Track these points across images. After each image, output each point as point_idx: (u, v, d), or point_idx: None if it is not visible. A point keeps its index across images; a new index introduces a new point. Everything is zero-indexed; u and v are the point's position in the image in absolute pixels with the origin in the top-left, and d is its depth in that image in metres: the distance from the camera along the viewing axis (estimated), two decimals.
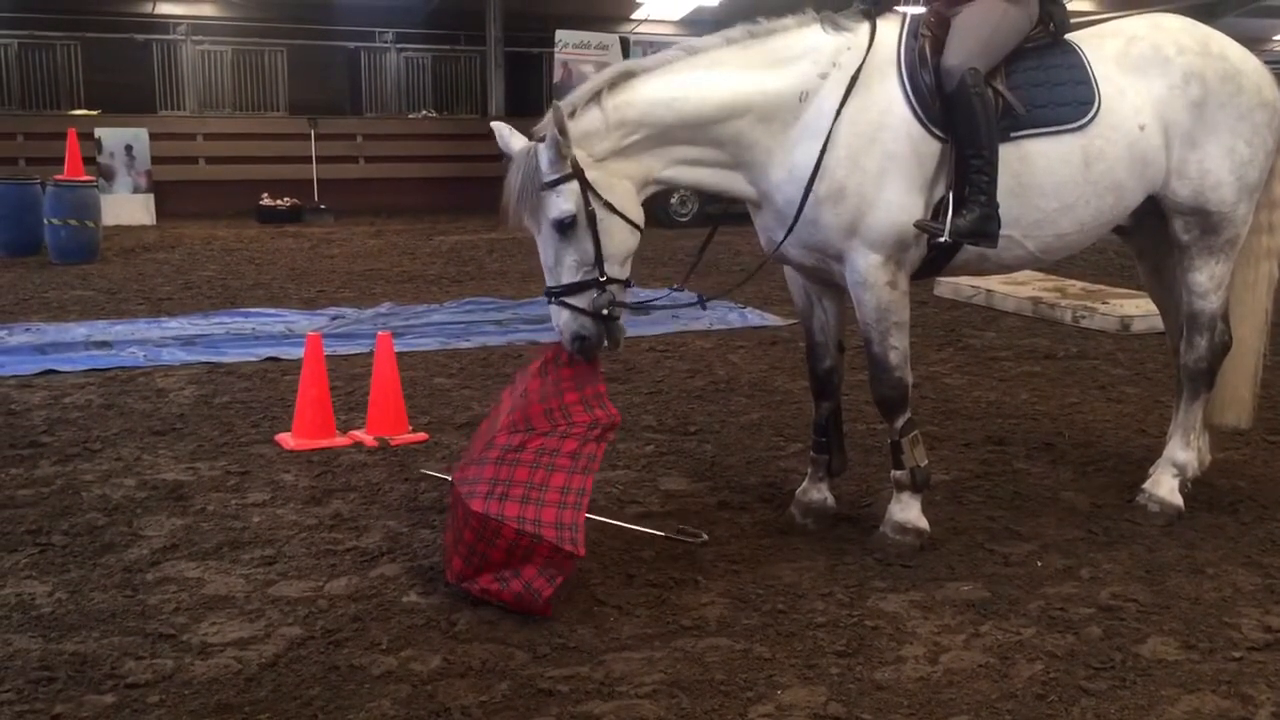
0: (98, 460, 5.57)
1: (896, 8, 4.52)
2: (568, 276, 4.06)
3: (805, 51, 4.28)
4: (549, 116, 3.97)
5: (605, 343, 4.13)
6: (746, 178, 4.35)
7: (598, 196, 4.02)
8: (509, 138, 4.15)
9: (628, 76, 4.16)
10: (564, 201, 3.98)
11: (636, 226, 4.15)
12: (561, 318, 4.09)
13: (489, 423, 4.33)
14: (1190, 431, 4.94)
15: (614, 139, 4.09)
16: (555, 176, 3.97)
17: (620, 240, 4.10)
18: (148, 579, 4.22)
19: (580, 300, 4.06)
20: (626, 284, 4.17)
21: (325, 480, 5.34)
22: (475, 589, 4.00)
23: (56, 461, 5.54)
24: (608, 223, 4.05)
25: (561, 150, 3.95)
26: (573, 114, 4.03)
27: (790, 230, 4.31)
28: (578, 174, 3.98)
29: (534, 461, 3.97)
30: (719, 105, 4.18)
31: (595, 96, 4.09)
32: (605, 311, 4.07)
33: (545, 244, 4.09)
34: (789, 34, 4.32)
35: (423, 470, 5.38)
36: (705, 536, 4.52)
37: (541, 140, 3.98)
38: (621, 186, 4.10)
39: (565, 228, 4.01)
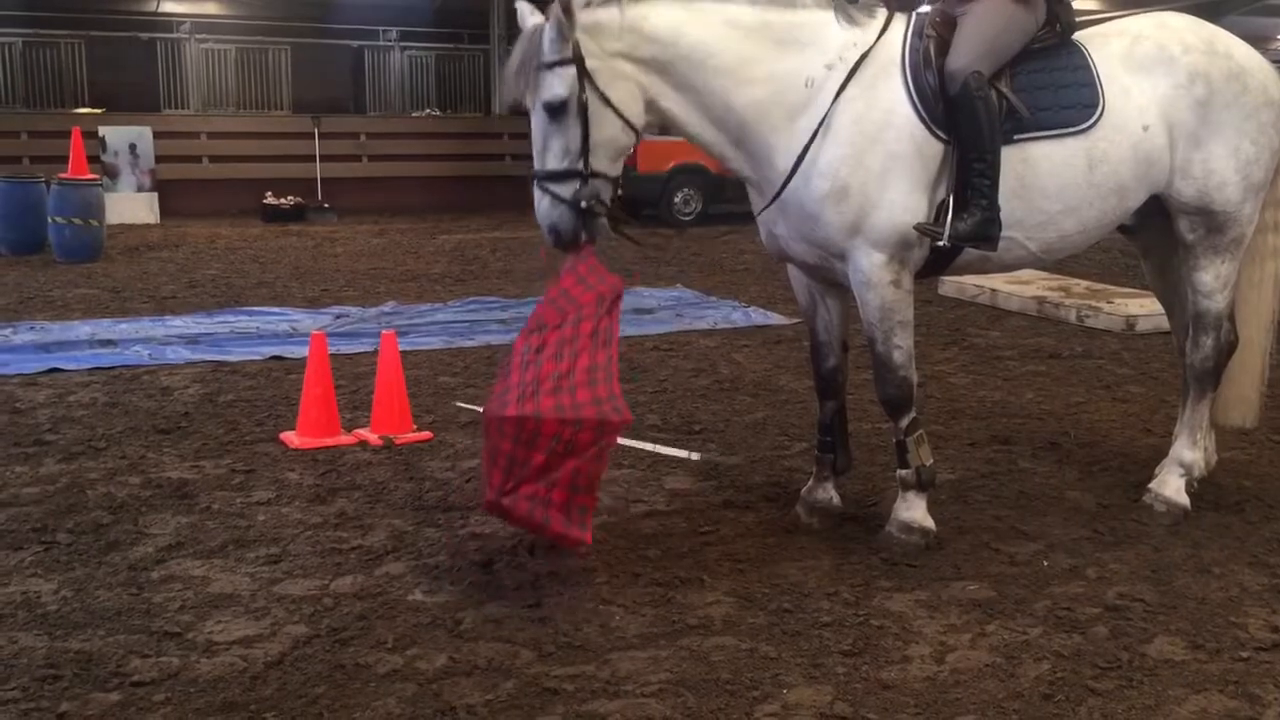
0: (102, 458, 5.58)
1: (918, 7, 4.50)
2: (553, 163, 4.04)
3: (815, 39, 4.28)
4: (557, 1, 3.95)
5: (582, 235, 4.08)
6: (750, 159, 4.33)
7: (594, 87, 3.99)
8: (527, 15, 4.12)
9: None
10: (558, 84, 3.97)
11: (631, 126, 4.11)
12: (541, 205, 4.06)
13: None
14: (1196, 431, 4.93)
15: (626, 42, 4.08)
16: (554, 58, 3.96)
17: (611, 135, 4.07)
18: (153, 577, 4.22)
19: (562, 189, 4.03)
20: (616, 183, 4.13)
21: (330, 479, 5.33)
22: (517, 507, 3.95)
23: (61, 459, 5.55)
24: (600, 115, 4.02)
25: (564, 32, 3.94)
26: (588, 3, 4.02)
27: (774, 198, 4.30)
28: (577, 60, 3.97)
29: (556, 354, 3.95)
30: (726, 59, 4.16)
31: None
32: (585, 205, 4.03)
33: (536, 125, 4.07)
34: (805, 14, 4.30)
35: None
36: (697, 456, 4.47)
37: (547, 19, 3.97)
38: (624, 86, 4.08)
39: (555, 111, 3.98)
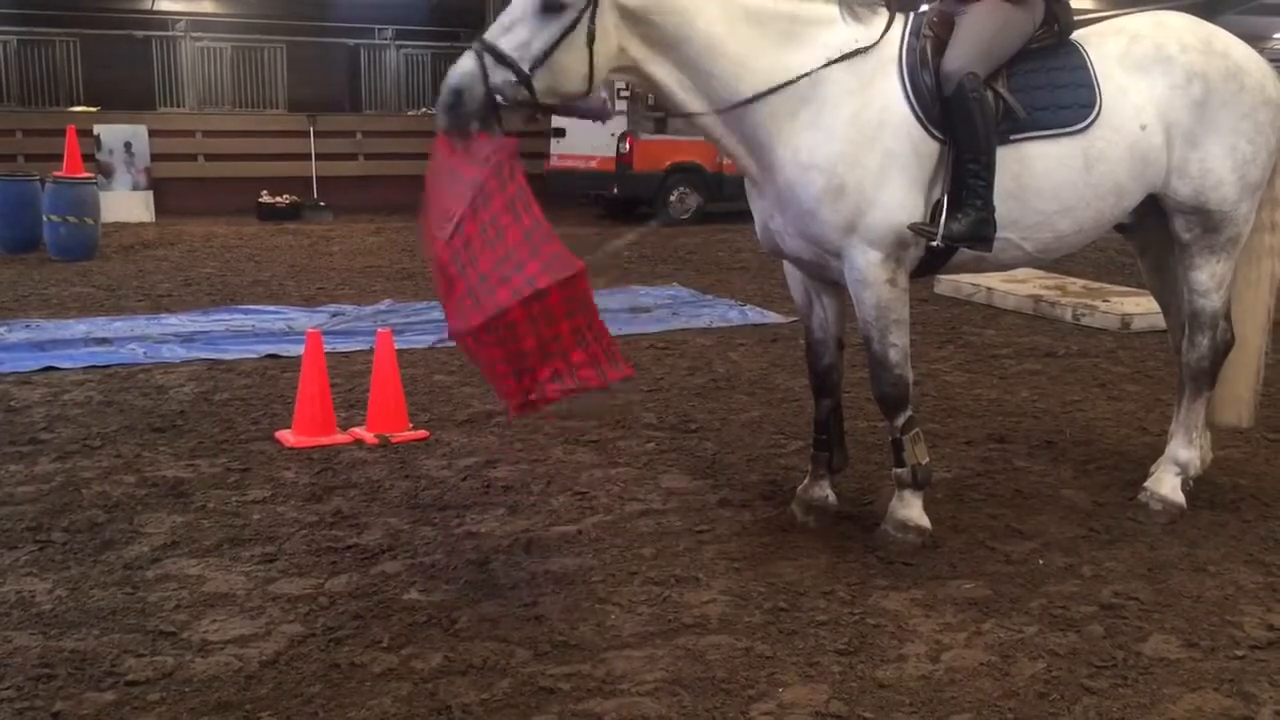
0: (97, 457, 5.56)
1: (917, 7, 4.50)
2: (505, 46, 3.92)
3: (819, 33, 4.27)
4: None
5: (473, 122, 3.90)
6: (749, 148, 4.31)
7: (592, 21, 3.93)
8: None
9: None
10: None
11: (588, 81, 4.01)
12: (464, 67, 3.90)
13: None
14: (1192, 430, 4.94)
15: (641, 3, 4.01)
16: None
17: (568, 67, 3.96)
18: (148, 576, 4.21)
19: (496, 72, 3.89)
20: (534, 109, 4.01)
21: (326, 477, 5.33)
22: (548, 393, 3.80)
23: (56, 458, 5.53)
24: (574, 47, 3.94)
25: None
26: None
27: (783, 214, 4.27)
28: None
29: (485, 242, 3.77)
30: (733, 46, 4.14)
31: None
32: (500, 99, 3.90)
33: (518, 4, 3.97)
34: (811, 8, 4.29)
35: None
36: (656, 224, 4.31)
37: None
38: (609, 45, 4.01)
39: (548, 9, 3.90)
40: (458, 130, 3.91)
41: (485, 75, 3.88)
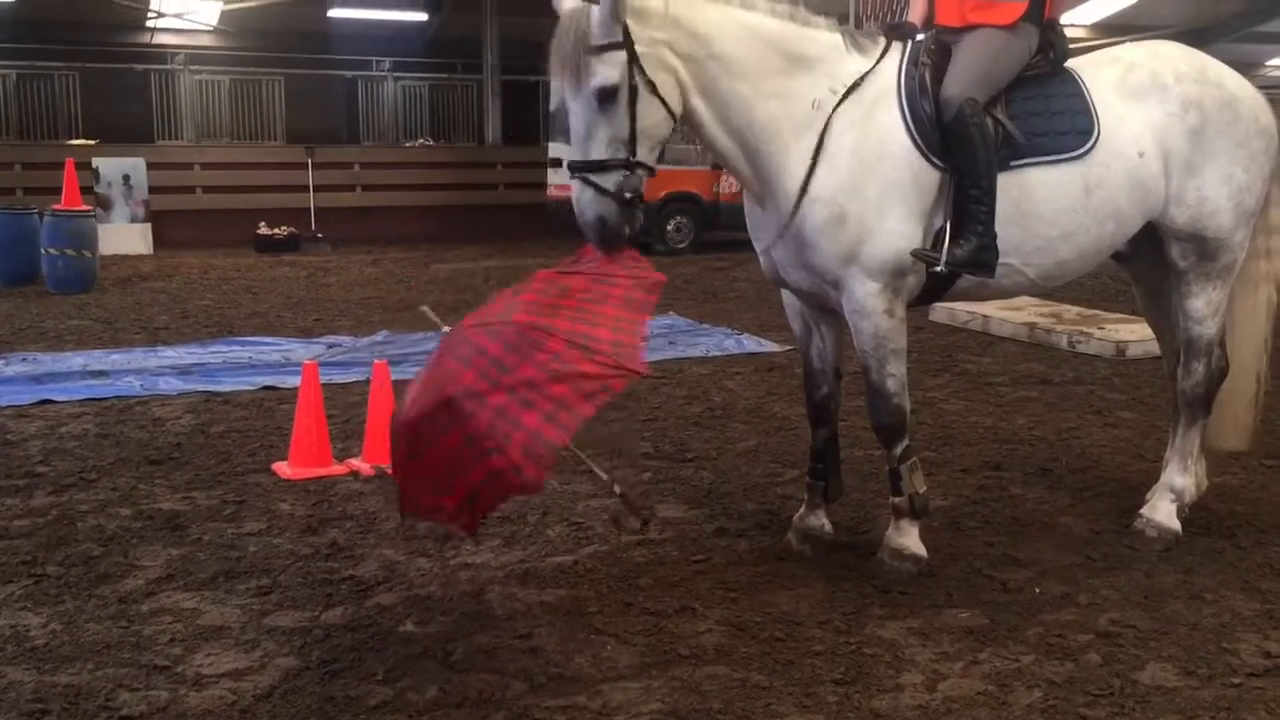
0: (94, 490, 5.56)
1: (914, 36, 4.53)
2: (597, 153, 3.94)
3: (823, 61, 4.30)
4: None
5: (626, 229, 3.98)
6: (756, 172, 4.33)
7: (642, 72, 3.93)
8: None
9: None
10: (609, 70, 3.88)
11: (673, 115, 4.06)
12: (585, 197, 3.94)
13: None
14: (1188, 457, 4.94)
15: (667, 33, 4.02)
16: (605, 41, 3.87)
17: (655, 123, 4.01)
18: (143, 610, 4.20)
19: (606, 180, 3.93)
20: (651, 172, 4.05)
21: (322, 509, 5.32)
22: (478, 414, 3.49)
23: (52, 492, 5.53)
24: (647, 102, 3.95)
25: (616, 14, 3.85)
26: None
27: (785, 223, 4.27)
28: (628, 44, 3.89)
29: (581, 301, 3.73)
30: (747, 64, 4.16)
31: None
32: (629, 196, 3.95)
33: (579, 114, 3.95)
34: (817, 33, 4.33)
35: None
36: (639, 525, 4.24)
37: (596, 1, 3.87)
38: (666, 75, 4.02)
39: (605, 98, 3.89)
40: (618, 246, 3.99)
41: (605, 190, 3.93)
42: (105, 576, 4.50)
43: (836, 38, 4.37)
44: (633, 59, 3.91)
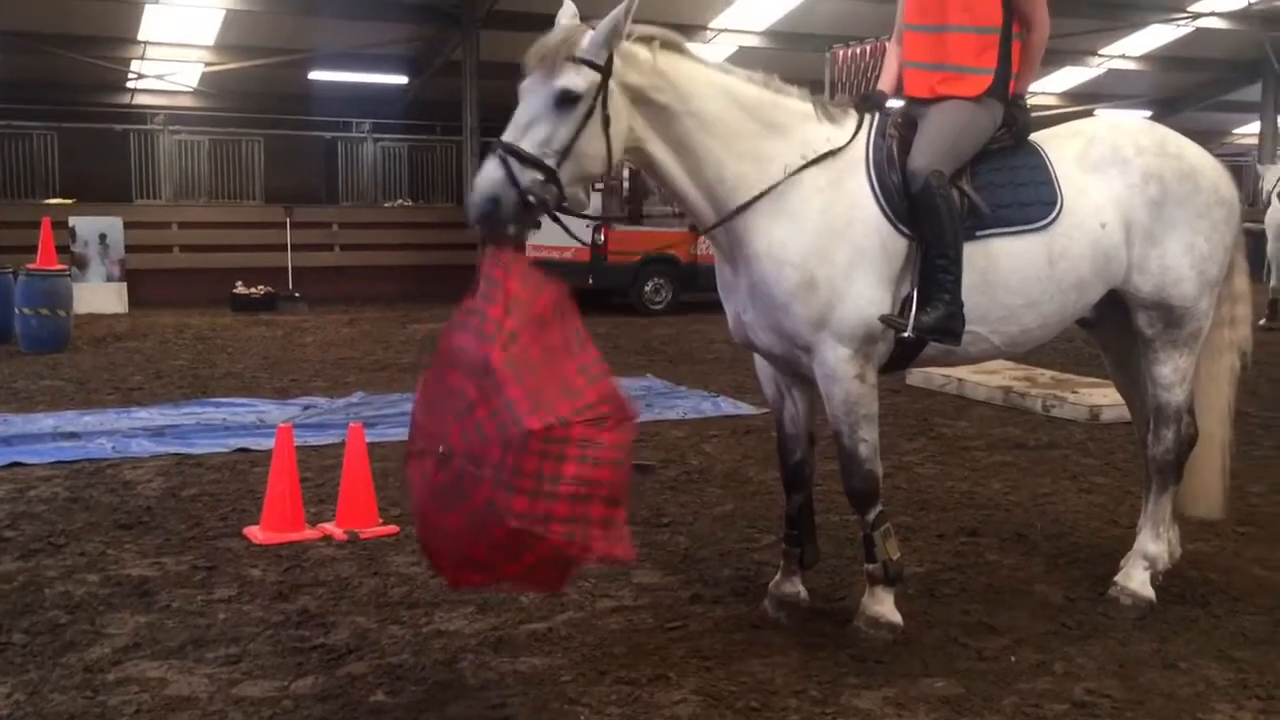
0: (61, 555, 5.49)
1: (883, 107, 4.61)
2: (528, 145, 3.93)
3: (796, 128, 4.37)
4: (620, 9, 3.93)
5: (510, 228, 3.91)
6: (725, 232, 4.36)
7: (605, 105, 3.99)
8: (567, 14, 4.09)
9: (678, 46, 4.22)
10: (579, 79, 3.93)
11: (609, 160, 4.08)
12: (493, 174, 3.88)
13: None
14: (1160, 523, 4.96)
15: (649, 81, 4.10)
16: (588, 57, 3.94)
17: (591, 154, 4.02)
18: (109, 679, 4.13)
19: (522, 173, 3.89)
20: (560, 201, 4.02)
21: (293, 575, 5.27)
22: (551, 534, 3.56)
23: (19, 557, 5.45)
24: (593, 132, 4.00)
25: (610, 40, 3.95)
26: (629, 35, 4.04)
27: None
28: (605, 70, 3.97)
29: (542, 359, 3.68)
30: (722, 125, 4.23)
31: (650, 40, 4.12)
32: (531, 200, 3.91)
33: (531, 105, 3.96)
34: (789, 101, 4.41)
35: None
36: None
37: (593, 27, 3.97)
38: (623, 122, 4.07)
39: (562, 103, 3.93)
40: (496, 236, 3.92)
41: (515, 178, 3.90)
42: (71, 645, 4.43)
43: (808, 106, 4.45)
44: (603, 87, 3.98)
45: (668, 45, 4.19)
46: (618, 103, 4.05)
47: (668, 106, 4.17)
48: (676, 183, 4.32)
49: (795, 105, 4.43)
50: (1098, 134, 4.82)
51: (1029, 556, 5.56)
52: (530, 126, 3.96)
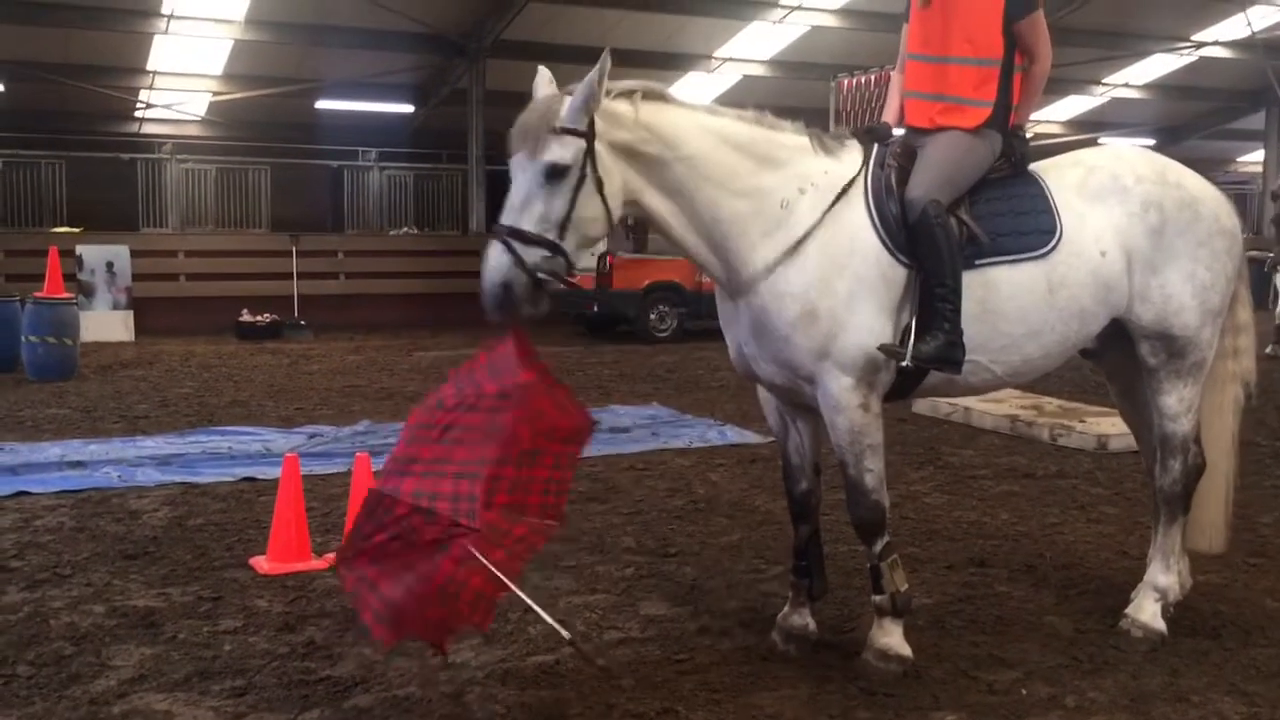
0: (67, 586, 5.47)
1: (882, 138, 4.62)
2: (528, 224, 3.95)
3: (791, 160, 4.38)
4: (594, 72, 3.95)
5: (528, 308, 3.96)
6: (727, 269, 4.38)
7: (594, 169, 4.01)
8: (544, 84, 4.11)
9: (660, 95, 4.24)
10: (565, 150, 3.95)
11: (609, 219, 4.11)
12: (499, 260, 3.90)
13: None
14: (1170, 555, 4.94)
15: (635, 135, 4.11)
16: (570, 125, 3.96)
17: (590, 217, 4.04)
18: (114, 712, 4.11)
19: (527, 252, 3.91)
20: (570, 270, 4.05)
21: (299, 605, 5.25)
22: (345, 580, 3.98)
23: (25, 588, 5.44)
24: (589, 196, 4.02)
25: (589, 104, 3.96)
26: (608, 92, 4.06)
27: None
28: (590, 134, 3.99)
29: (440, 437, 3.96)
30: (717, 169, 4.24)
31: (631, 94, 4.14)
32: (542, 277, 3.95)
33: (523, 184, 3.99)
34: (784, 136, 4.43)
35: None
36: (568, 635, 4.23)
37: (570, 93, 3.99)
38: (615, 179, 4.10)
39: (552, 175, 3.95)
40: (514, 319, 3.98)
41: (522, 260, 3.92)
42: (76, 677, 4.41)
43: (803, 139, 4.46)
44: (590, 150, 4.00)
45: (649, 96, 4.20)
46: (607, 162, 4.07)
47: (658, 156, 4.18)
48: (675, 231, 4.33)
49: (790, 139, 4.44)
50: (1098, 163, 4.84)
51: (1038, 588, 5.53)
52: (526, 205, 3.98)
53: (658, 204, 4.26)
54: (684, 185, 4.23)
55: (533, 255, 3.94)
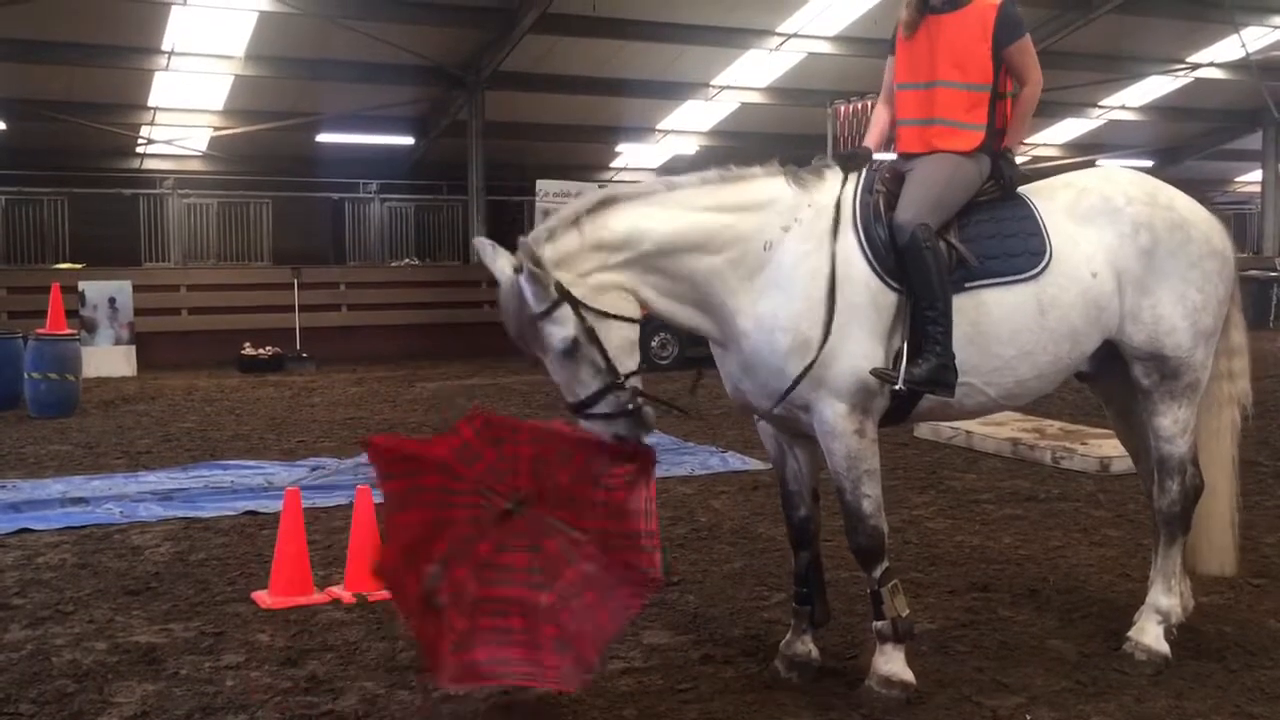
0: (69, 623, 5.47)
1: (867, 164, 4.65)
2: (585, 391, 4.11)
3: (770, 201, 4.41)
4: (520, 252, 4.05)
5: (641, 432, 4.18)
6: (715, 322, 4.41)
7: (589, 309, 4.08)
8: (492, 254, 4.18)
9: (608, 203, 4.27)
10: (561, 329, 4.05)
11: (633, 320, 4.20)
12: (603, 427, 4.14)
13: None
14: (1171, 576, 4.93)
15: (597, 259, 4.16)
16: (545, 307, 4.04)
17: (622, 339, 4.16)
18: None
19: (604, 408, 4.11)
20: (639, 368, 4.20)
21: (302, 640, 5.24)
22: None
23: (27, 625, 5.44)
24: (606, 329, 4.11)
25: (540, 280, 4.02)
26: (550, 238, 4.11)
27: (783, 397, 4.36)
28: (565, 297, 4.05)
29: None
30: (691, 239, 4.27)
31: (575, 221, 4.18)
32: (632, 407, 4.12)
33: (556, 367, 4.14)
34: (756, 182, 4.45)
35: None
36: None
37: (520, 273, 4.04)
38: (610, 293, 4.16)
39: (570, 350, 4.06)
40: (641, 447, 4.25)
41: (614, 414, 4.13)
42: (79, 714, 4.40)
43: (777, 180, 4.47)
44: (576, 306, 4.07)
45: (595, 210, 4.22)
46: (595, 291, 4.13)
47: (627, 259, 4.23)
48: (662, 309, 4.38)
49: (762, 184, 4.45)
50: (1088, 185, 4.86)
51: (1042, 612, 5.52)
52: (575, 379, 4.14)
53: (650, 294, 4.33)
54: (665, 268, 4.28)
55: (613, 403, 4.13)
